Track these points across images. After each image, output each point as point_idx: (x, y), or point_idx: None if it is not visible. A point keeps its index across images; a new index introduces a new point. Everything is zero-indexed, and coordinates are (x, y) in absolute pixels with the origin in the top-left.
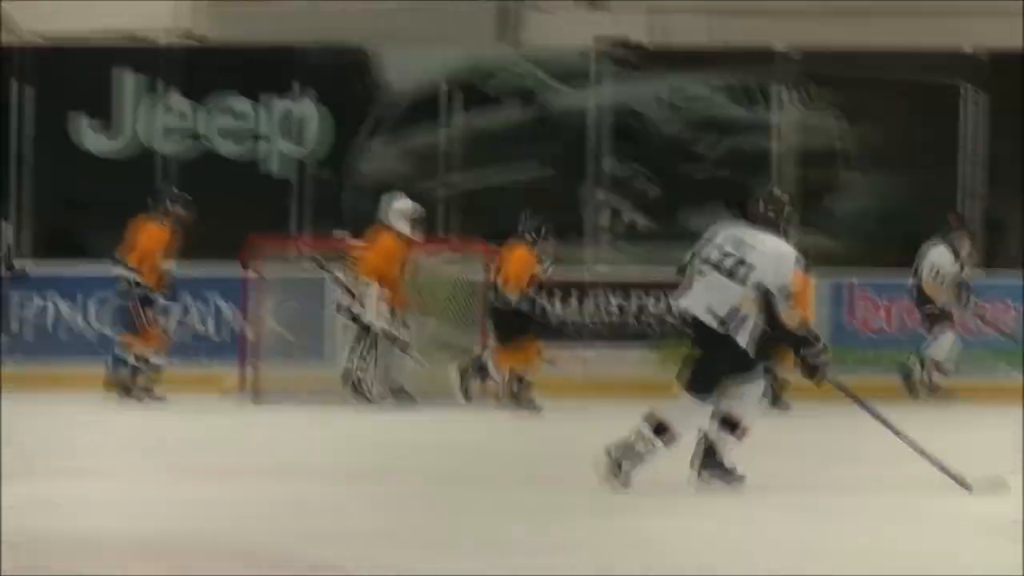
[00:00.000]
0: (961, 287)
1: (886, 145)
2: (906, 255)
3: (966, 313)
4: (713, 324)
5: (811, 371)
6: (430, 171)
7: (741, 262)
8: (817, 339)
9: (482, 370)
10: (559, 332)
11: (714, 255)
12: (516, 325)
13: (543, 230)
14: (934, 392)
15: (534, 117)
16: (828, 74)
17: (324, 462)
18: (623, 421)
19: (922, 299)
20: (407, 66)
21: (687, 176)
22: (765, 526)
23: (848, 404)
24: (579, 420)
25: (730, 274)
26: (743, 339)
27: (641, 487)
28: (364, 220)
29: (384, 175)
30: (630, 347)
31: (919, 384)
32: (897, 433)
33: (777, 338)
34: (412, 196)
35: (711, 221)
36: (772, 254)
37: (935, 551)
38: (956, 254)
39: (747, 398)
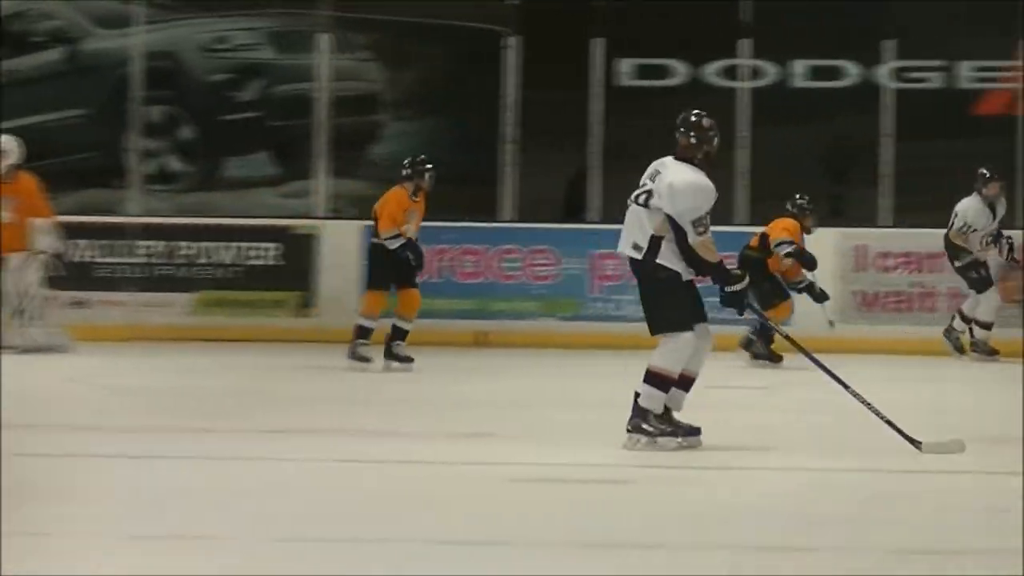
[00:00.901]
0: (997, 237)
1: (427, 90)
2: (449, 202)
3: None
4: (637, 256)
5: (727, 302)
6: None
7: (649, 192)
8: (733, 274)
9: None
10: (98, 278)
11: (635, 192)
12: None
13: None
14: (983, 351)
15: (74, 62)
16: (367, 19)
17: None
18: (158, 363)
19: (953, 253)
20: None
21: (228, 122)
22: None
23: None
24: (112, 364)
25: (642, 204)
26: (666, 260)
27: None
28: None
29: None
30: (169, 293)
31: (964, 344)
32: (847, 387)
33: (693, 266)
34: None
35: (250, 167)
36: (668, 181)
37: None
38: (990, 206)
39: (664, 347)
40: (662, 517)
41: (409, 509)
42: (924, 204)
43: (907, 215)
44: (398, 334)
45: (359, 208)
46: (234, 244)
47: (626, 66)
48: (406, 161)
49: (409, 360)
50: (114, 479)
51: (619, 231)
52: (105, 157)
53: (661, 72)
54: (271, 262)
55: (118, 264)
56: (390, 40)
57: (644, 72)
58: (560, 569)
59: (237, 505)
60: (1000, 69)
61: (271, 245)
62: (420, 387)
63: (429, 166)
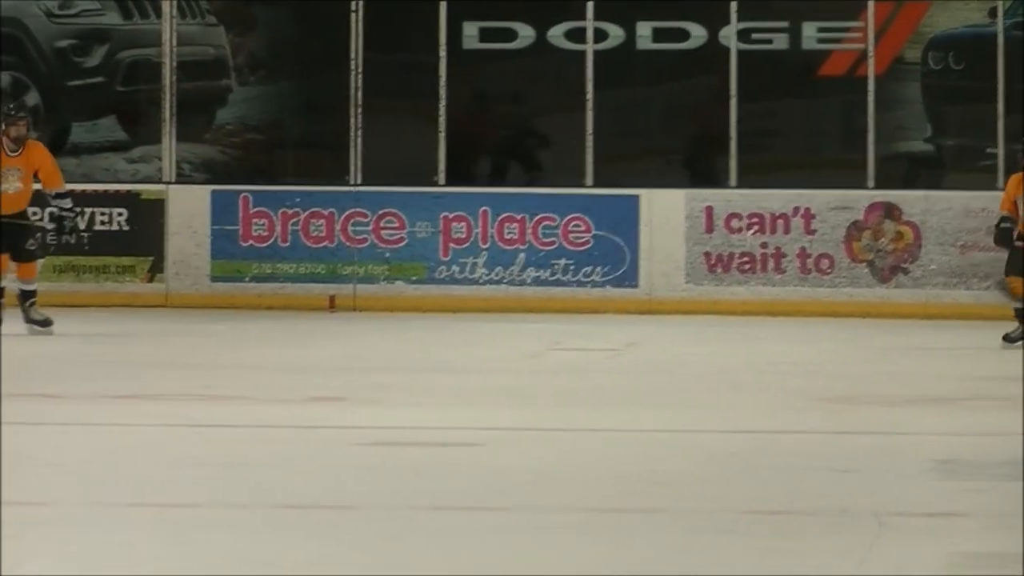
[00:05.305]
0: None
1: (273, 54)
2: (297, 166)
3: None
4: None
5: None
6: None
7: None
8: None
9: None
10: None
11: None
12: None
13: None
14: None
15: None
16: None
17: None
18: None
19: None
20: None
21: (74, 88)
22: None
23: None
24: None
25: None
26: None
27: None
28: None
29: None
30: None
31: None
32: None
33: None
34: None
35: (97, 133)
36: None
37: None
38: None
39: None
40: (510, 479)
41: (260, 473)
42: (768, 165)
43: (753, 176)
44: None
45: (206, 173)
46: (82, 209)
47: (471, 29)
48: None
49: None
50: None
51: (466, 194)
52: None
53: (506, 35)
54: (119, 227)
55: None
56: (235, 4)
57: (488, 35)
58: (411, 532)
59: (84, 471)
60: (845, 30)
61: (119, 210)
62: (270, 352)
63: None
